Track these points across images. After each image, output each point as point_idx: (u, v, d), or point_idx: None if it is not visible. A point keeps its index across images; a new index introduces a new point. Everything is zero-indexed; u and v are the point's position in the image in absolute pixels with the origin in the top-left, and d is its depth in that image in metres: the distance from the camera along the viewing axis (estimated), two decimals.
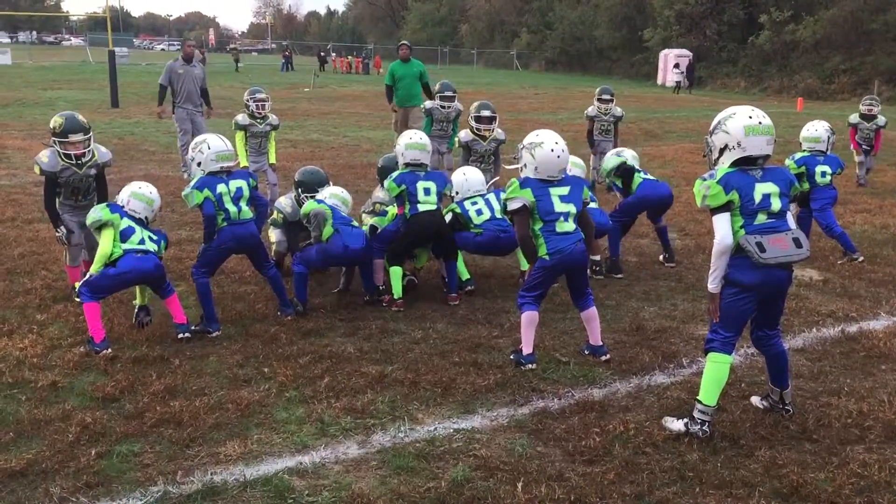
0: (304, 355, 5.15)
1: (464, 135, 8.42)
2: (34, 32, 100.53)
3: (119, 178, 10.44)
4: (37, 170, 6.01)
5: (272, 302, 6.14)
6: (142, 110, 21.03)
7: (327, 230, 6.11)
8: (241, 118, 9.17)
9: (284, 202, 6.78)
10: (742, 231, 3.96)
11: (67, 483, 3.61)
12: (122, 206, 5.59)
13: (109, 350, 5.11)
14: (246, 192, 5.71)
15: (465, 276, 6.64)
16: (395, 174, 6.34)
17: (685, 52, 46.68)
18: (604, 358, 5.16)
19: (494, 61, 70.83)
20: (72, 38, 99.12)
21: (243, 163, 8.97)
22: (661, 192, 7.29)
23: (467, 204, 6.66)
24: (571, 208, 4.98)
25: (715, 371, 4.12)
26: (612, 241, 7.16)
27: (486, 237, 6.50)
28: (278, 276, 6.05)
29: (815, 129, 7.84)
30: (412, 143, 6.39)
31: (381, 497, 3.53)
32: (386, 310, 6.12)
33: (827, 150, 7.78)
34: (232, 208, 5.60)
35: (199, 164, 5.68)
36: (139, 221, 5.58)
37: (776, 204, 3.98)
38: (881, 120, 12.10)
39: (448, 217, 6.58)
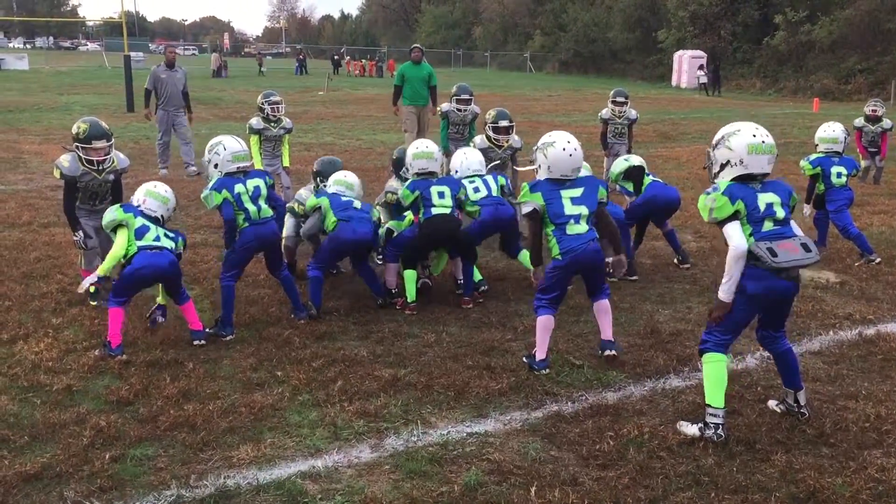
0: (317, 359, 5.15)
1: (479, 141, 8.43)
2: (51, 38, 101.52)
3: (135, 181, 10.48)
4: (56, 174, 6.04)
5: (285, 305, 6.15)
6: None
7: (330, 220, 6.18)
8: (256, 122, 9.20)
9: (304, 194, 6.89)
10: (752, 239, 3.99)
11: (81, 487, 3.62)
12: (138, 206, 5.61)
13: (124, 356, 5.13)
14: (264, 191, 5.77)
15: (478, 276, 6.63)
16: (407, 182, 6.38)
17: (699, 52, 46.51)
18: (608, 353, 5.16)
19: (508, 63, 70.78)
20: (88, 43, 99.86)
21: (258, 166, 9.00)
22: (670, 195, 7.26)
23: (465, 182, 6.69)
24: (584, 210, 4.98)
25: (713, 371, 4.17)
26: (623, 243, 7.11)
27: (486, 213, 6.58)
28: (291, 279, 6.07)
29: (833, 130, 7.78)
30: (419, 152, 6.41)
31: (393, 501, 3.52)
32: (399, 313, 6.11)
33: (842, 151, 7.73)
34: (252, 207, 5.65)
35: (215, 166, 5.72)
36: (154, 220, 5.59)
37: (780, 212, 4.05)
38: (887, 123, 11.90)
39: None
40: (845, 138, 7.72)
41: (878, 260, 7.46)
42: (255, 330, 5.70)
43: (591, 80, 52.03)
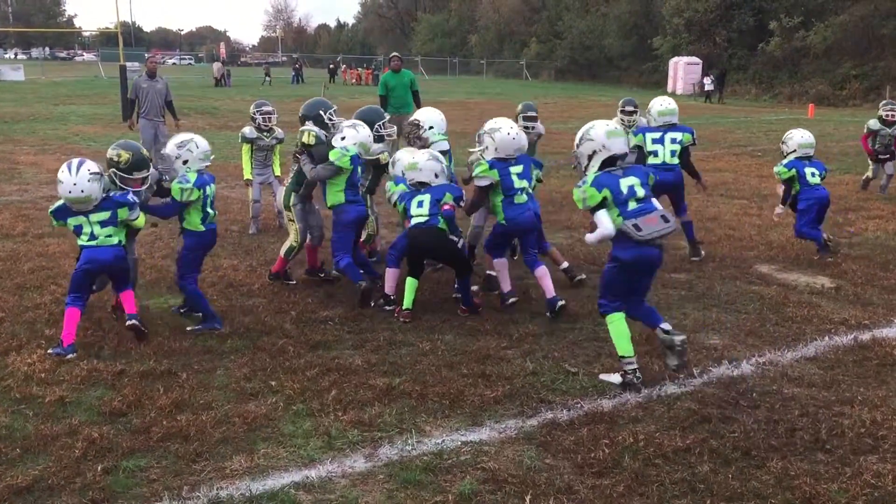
0: (311, 368, 5.12)
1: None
2: (47, 49, 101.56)
3: None
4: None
5: (280, 314, 6.14)
6: None
7: (337, 192, 6.59)
8: (248, 131, 9.18)
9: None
10: (620, 218, 4.76)
11: (73, 499, 3.60)
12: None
13: (74, 355, 5.28)
14: (213, 196, 6.04)
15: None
16: (395, 191, 6.52)
17: (695, 59, 46.66)
18: (560, 304, 6.10)
19: (504, 71, 70.92)
20: (84, 53, 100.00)
21: (247, 175, 9.00)
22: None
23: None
24: (525, 184, 6.22)
25: (617, 328, 4.94)
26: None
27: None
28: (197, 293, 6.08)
29: (810, 137, 8.10)
30: (409, 164, 6.50)
31: None
32: (394, 321, 6.09)
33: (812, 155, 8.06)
34: (211, 211, 5.98)
35: (185, 162, 5.89)
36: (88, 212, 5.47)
37: (640, 191, 4.82)
38: None
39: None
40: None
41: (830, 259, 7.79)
42: (249, 339, 5.67)
43: (587, 88, 52.13)
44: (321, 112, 6.94)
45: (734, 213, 9.43)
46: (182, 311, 6.18)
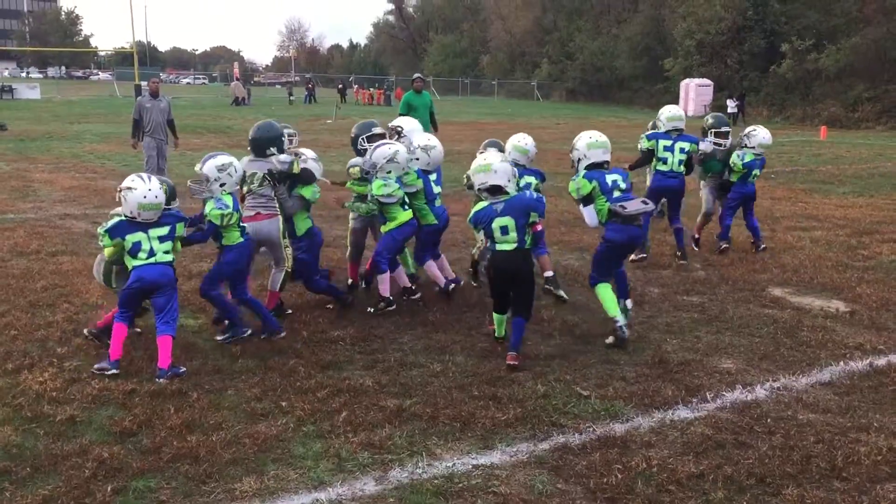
0: (322, 389, 5.10)
1: (704, 145, 9.02)
2: (63, 67, 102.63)
3: None
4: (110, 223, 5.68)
5: (291, 335, 6.13)
6: None
7: (305, 219, 6.74)
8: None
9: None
10: (607, 204, 6.06)
11: None
12: (131, 216, 5.48)
13: (117, 371, 5.29)
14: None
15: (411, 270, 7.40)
16: (475, 209, 5.86)
17: (706, 81, 46.69)
18: (453, 286, 7.06)
19: (515, 92, 71.20)
20: (100, 72, 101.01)
21: None
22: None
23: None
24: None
25: (605, 294, 6.10)
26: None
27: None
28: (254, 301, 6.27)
29: (770, 137, 9.14)
30: (481, 166, 5.79)
31: None
32: (405, 342, 6.07)
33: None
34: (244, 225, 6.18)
35: (222, 185, 5.91)
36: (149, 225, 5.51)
37: (622, 185, 6.15)
38: None
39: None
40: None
41: (724, 247, 8.95)
42: (260, 359, 5.66)
43: (599, 108, 52.23)
44: (281, 137, 6.79)
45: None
46: (228, 341, 5.99)
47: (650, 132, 8.86)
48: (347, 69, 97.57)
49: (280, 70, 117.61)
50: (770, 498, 3.79)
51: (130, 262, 5.48)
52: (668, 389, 5.13)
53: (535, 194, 6.24)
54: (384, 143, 6.86)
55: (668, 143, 8.44)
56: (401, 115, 12.85)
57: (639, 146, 9.02)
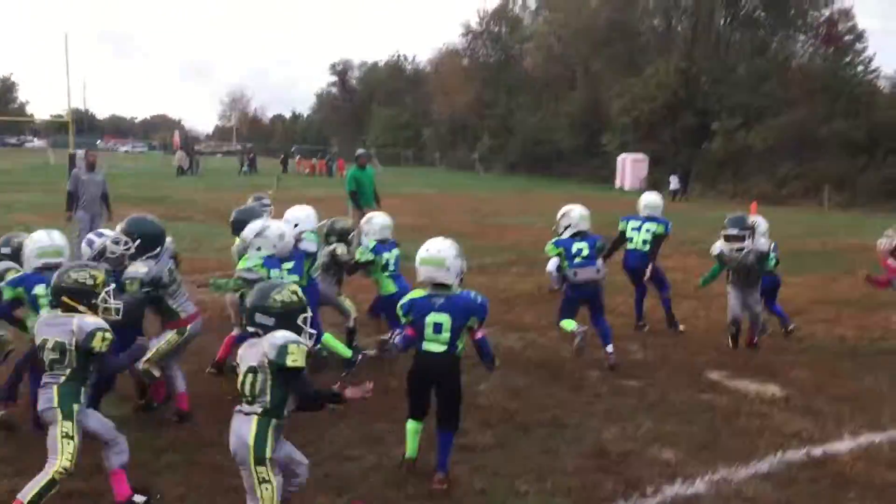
0: None
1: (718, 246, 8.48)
2: None
3: None
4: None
5: (219, 424, 5.85)
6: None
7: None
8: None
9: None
10: (567, 265, 7.58)
11: None
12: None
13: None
14: None
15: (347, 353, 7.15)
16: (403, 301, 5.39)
17: (641, 155, 48.07)
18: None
19: (458, 164, 72.01)
20: (35, 139, 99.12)
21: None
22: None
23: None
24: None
25: (567, 324, 7.60)
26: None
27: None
28: None
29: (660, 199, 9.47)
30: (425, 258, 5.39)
31: None
32: (343, 430, 5.84)
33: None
34: None
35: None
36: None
37: (586, 252, 7.57)
38: None
39: None
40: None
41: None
42: (185, 454, 5.38)
43: (539, 181, 53.10)
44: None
45: (683, 314, 9.47)
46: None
47: (627, 216, 9.37)
48: (290, 139, 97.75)
49: (222, 139, 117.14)
50: None
51: None
52: (609, 483, 5.03)
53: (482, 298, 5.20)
54: (258, 220, 6.85)
55: (637, 223, 9.04)
56: (349, 191, 14.23)
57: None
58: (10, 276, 5.78)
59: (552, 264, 7.97)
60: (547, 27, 66.04)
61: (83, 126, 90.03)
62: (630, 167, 48.15)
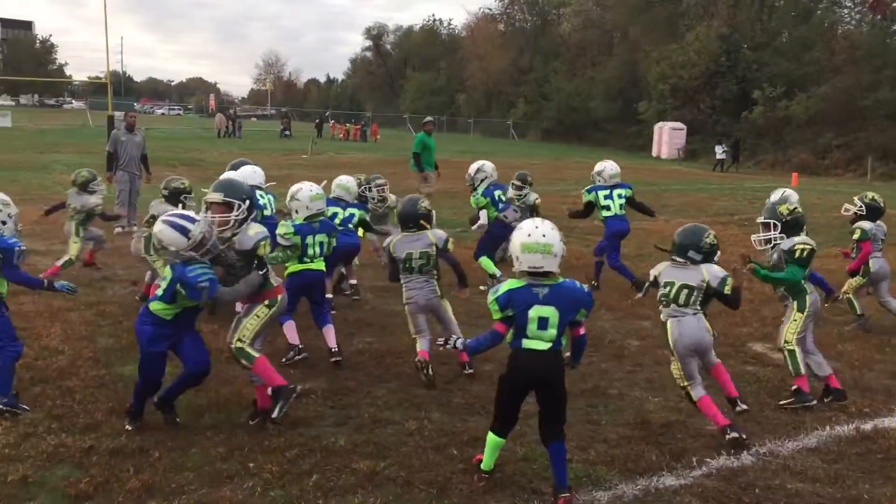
0: (291, 448, 4.86)
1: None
2: (36, 96, 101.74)
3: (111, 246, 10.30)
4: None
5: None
6: None
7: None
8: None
9: None
10: (495, 210, 9.20)
11: None
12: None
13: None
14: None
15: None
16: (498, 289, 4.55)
17: (680, 124, 47.31)
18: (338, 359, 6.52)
19: (491, 130, 71.61)
20: (73, 101, 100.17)
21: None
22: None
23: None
24: None
25: (485, 263, 8.89)
26: None
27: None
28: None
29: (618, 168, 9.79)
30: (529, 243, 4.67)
31: None
32: (379, 396, 5.85)
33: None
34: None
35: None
36: None
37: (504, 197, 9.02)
38: None
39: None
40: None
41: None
42: (226, 414, 5.41)
43: (573, 149, 52.60)
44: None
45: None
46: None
47: (589, 186, 9.87)
48: (324, 104, 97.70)
49: (257, 103, 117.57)
50: None
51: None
52: (652, 453, 4.96)
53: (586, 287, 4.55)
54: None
55: (606, 191, 9.66)
56: (414, 153, 14.93)
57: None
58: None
59: (483, 215, 9.40)
60: None
61: (120, 88, 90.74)
62: (667, 136, 47.49)
